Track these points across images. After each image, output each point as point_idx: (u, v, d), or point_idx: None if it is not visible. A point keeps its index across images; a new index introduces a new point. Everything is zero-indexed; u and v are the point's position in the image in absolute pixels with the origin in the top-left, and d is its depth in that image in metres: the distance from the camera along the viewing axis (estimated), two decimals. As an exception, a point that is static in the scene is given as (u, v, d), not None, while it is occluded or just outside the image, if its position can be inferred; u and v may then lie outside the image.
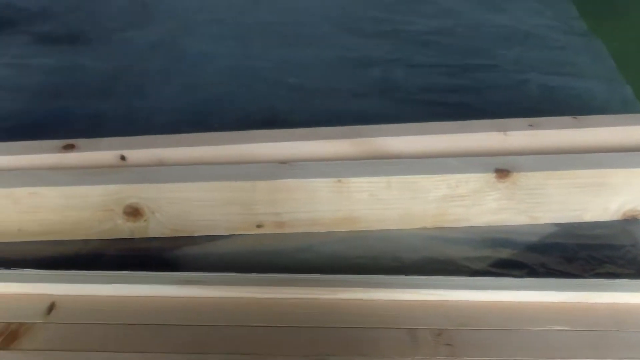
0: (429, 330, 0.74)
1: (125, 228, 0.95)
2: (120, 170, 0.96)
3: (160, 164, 0.98)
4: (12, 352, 0.73)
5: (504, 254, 0.92)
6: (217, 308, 0.77)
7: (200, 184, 0.93)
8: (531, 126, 1.01)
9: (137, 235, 0.96)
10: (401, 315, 0.75)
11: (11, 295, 0.79)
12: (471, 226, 0.96)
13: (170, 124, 1.07)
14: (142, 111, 1.24)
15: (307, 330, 0.74)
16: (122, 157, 0.97)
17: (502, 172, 0.92)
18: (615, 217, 0.98)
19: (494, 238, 0.94)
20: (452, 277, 0.82)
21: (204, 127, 1.04)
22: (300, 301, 0.77)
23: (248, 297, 0.79)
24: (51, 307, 0.78)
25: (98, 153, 0.98)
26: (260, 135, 1.02)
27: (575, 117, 1.03)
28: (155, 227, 0.95)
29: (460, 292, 0.77)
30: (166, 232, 0.96)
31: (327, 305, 0.77)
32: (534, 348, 0.72)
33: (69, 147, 0.98)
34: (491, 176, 0.92)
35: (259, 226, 0.96)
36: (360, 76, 1.32)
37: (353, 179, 0.93)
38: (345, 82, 1.30)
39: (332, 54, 1.39)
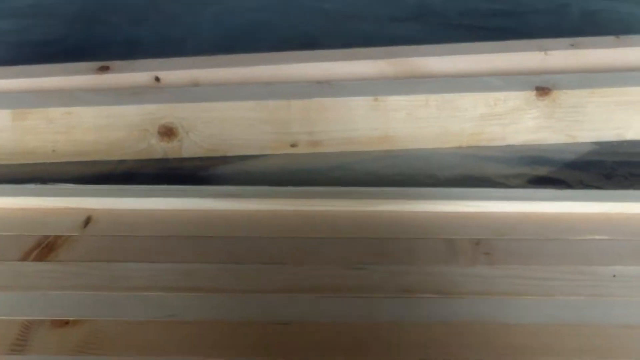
0: (468, 240, 0.72)
1: (159, 148, 0.94)
2: (155, 91, 0.95)
3: (195, 84, 0.96)
4: (49, 263, 0.73)
5: (541, 171, 0.89)
6: (253, 220, 0.77)
7: (235, 103, 0.91)
8: (572, 46, 0.98)
9: (170, 156, 0.95)
10: (439, 225, 0.74)
11: (48, 209, 0.79)
12: (508, 145, 0.93)
13: (204, 51, 1.05)
14: (176, 37, 1.23)
15: (344, 241, 0.73)
16: (157, 78, 0.96)
17: (543, 90, 0.90)
18: (657, 136, 0.94)
19: (531, 156, 0.92)
20: (491, 189, 0.81)
21: (238, 53, 1.01)
22: (338, 213, 0.76)
23: (284, 209, 0.78)
24: (87, 220, 0.78)
25: (133, 74, 0.97)
26: (295, 56, 1.00)
27: (617, 37, 0.99)
28: (189, 147, 0.94)
29: (498, 203, 0.75)
30: (200, 152, 0.95)
31: (364, 217, 0.76)
32: (573, 256, 0.70)
33: (104, 69, 0.97)
34: (531, 94, 0.90)
35: (293, 145, 0.95)
36: (397, 1, 1.28)
37: (390, 97, 0.91)
38: (382, 7, 1.27)
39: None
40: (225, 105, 0.91)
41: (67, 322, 0.66)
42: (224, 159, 0.94)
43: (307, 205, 0.77)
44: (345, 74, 0.97)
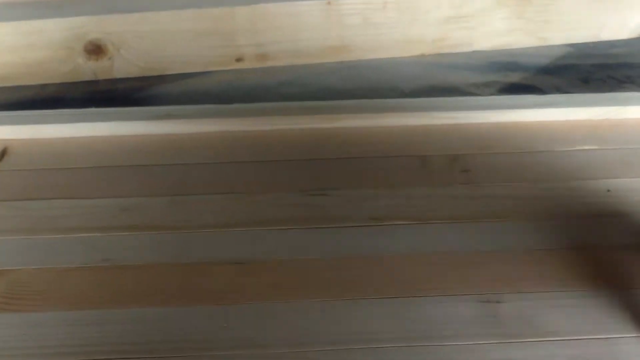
0: (444, 156, 0.63)
1: (87, 68, 0.83)
2: (77, 2, 0.82)
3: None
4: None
5: (514, 78, 0.80)
6: (200, 144, 0.67)
7: (171, 13, 0.81)
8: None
9: (101, 77, 0.84)
10: (411, 142, 0.65)
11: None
12: (475, 51, 0.84)
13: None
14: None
15: (303, 164, 0.64)
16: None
17: (512, -14, 0.80)
18: (635, 35, 0.86)
19: (501, 62, 0.83)
20: (464, 98, 0.71)
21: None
22: (295, 132, 0.66)
23: (233, 130, 0.67)
24: (2, 153, 0.66)
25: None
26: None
27: None
28: (121, 65, 0.83)
29: (473, 113, 0.66)
30: (134, 72, 0.84)
31: (325, 134, 0.66)
32: (563, 169, 0.61)
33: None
34: (500, -9, 0.80)
35: (238, 60, 0.84)
36: None
37: (344, 1, 0.80)
38: None
39: None
40: (161, 16, 0.80)
41: None
42: (162, 78, 0.84)
43: (257, 125, 0.67)
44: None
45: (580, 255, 0.54)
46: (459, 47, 0.86)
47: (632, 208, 0.58)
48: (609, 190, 0.59)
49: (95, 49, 0.82)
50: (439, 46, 0.86)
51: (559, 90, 0.80)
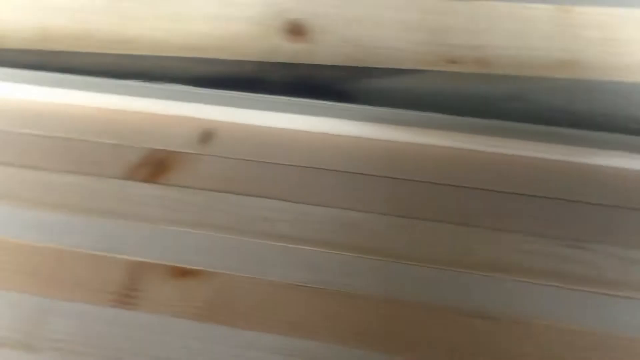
0: None
1: (286, 50, 0.77)
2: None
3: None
4: (160, 186, 0.56)
5: None
6: (424, 158, 0.59)
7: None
8: None
9: (301, 60, 0.77)
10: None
11: (156, 116, 0.62)
12: None
13: None
14: None
15: (552, 204, 0.54)
16: (285, -39, 0.78)
17: None
18: None
19: None
20: None
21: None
22: (540, 162, 0.57)
23: (465, 148, 0.59)
24: (207, 135, 0.60)
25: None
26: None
27: None
28: (324, 51, 0.77)
29: None
30: (337, 60, 0.78)
31: (581, 171, 0.57)
32: None
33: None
34: None
35: (452, 62, 0.76)
36: None
37: (583, 9, 0.71)
38: None
39: None
40: (364, 1, 0.72)
41: (186, 272, 0.50)
42: (367, 72, 0.76)
43: (489, 145, 0.60)
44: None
45: None
46: None
47: None
48: None
49: (296, 29, 0.76)
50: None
51: None
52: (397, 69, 0.78)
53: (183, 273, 0.51)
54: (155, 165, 0.59)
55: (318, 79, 0.76)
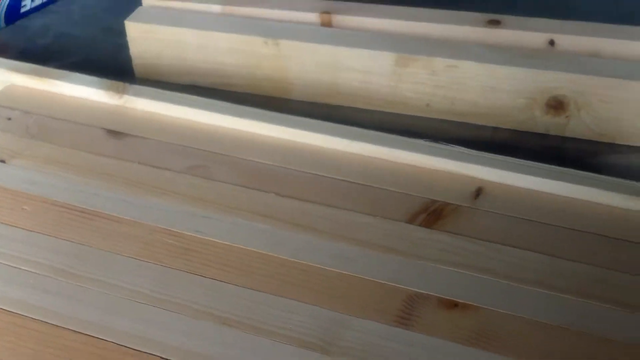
0: None
1: (541, 122, 0.86)
2: (549, 56, 0.86)
3: (595, 55, 0.86)
4: (436, 232, 0.67)
5: None
6: None
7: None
8: None
9: (552, 132, 0.86)
10: None
11: (438, 172, 0.74)
12: None
13: (598, 17, 0.93)
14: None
15: None
16: (551, 42, 0.87)
17: None
18: None
19: None
20: None
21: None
22: None
23: None
24: (479, 191, 0.71)
25: (525, 33, 0.90)
26: None
27: None
28: (576, 126, 0.86)
29: None
30: (587, 135, 0.86)
31: None
32: None
33: (495, 23, 0.89)
34: None
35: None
36: None
37: None
38: None
39: None
40: (631, 85, 0.80)
41: (456, 304, 0.60)
42: (612, 147, 0.83)
43: None
44: None
45: None
46: None
47: None
48: None
49: (557, 105, 0.84)
50: None
51: None
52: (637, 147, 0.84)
53: (452, 305, 0.61)
54: (433, 214, 0.70)
55: (567, 150, 0.85)
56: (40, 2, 1.14)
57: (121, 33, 0.99)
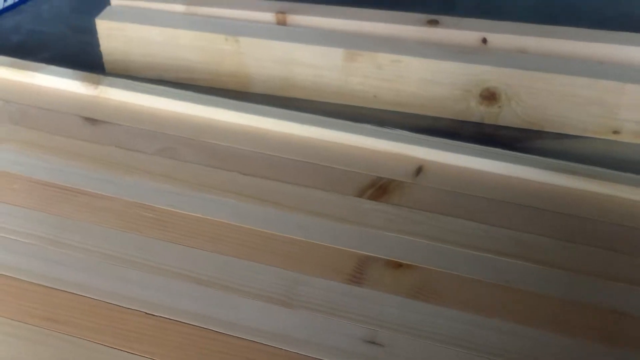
0: None
1: (476, 111, 0.96)
2: (482, 52, 0.96)
3: (522, 51, 0.96)
4: (382, 204, 0.77)
5: None
6: (585, 201, 0.77)
7: (565, 77, 0.92)
8: None
9: (486, 121, 0.97)
10: None
11: (383, 153, 0.84)
12: None
13: (525, 19, 1.04)
14: (495, 1, 1.22)
15: None
16: (484, 40, 0.97)
17: None
18: None
19: None
20: None
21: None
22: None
23: (619, 195, 0.77)
24: (419, 170, 0.81)
25: (461, 32, 1.00)
26: (631, 38, 0.97)
27: None
28: (507, 115, 0.96)
29: None
30: (517, 123, 0.96)
31: None
32: None
33: (433, 23, 0.99)
34: None
35: (615, 132, 0.94)
36: None
37: None
38: None
39: None
40: (555, 78, 0.91)
41: (400, 265, 0.70)
42: (539, 134, 0.94)
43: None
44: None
45: None
46: None
47: None
48: None
49: (490, 96, 0.95)
50: None
51: None
52: (565, 134, 0.95)
53: (397, 265, 0.71)
54: (379, 189, 0.80)
55: (499, 137, 0.95)
56: (12, 2, 1.21)
57: (89, 31, 1.07)
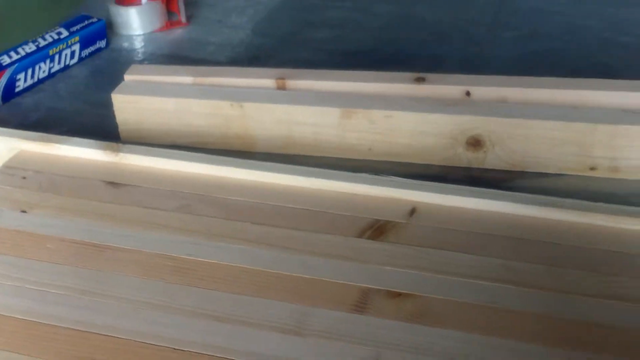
0: None
1: (464, 157, 1.05)
2: (466, 104, 1.06)
3: (503, 101, 1.05)
4: (381, 243, 0.86)
5: None
6: (571, 231, 0.86)
7: (542, 122, 1.01)
8: None
9: (473, 165, 1.06)
10: None
11: (379, 198, 0.93)
12: None
13: (504, 71, 1.14)
14: (477, 57, 1.33)
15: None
16: (467, 93, 1.06)
17: None
18: None
19: None
20: None
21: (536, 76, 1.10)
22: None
23: (595, 223, 0.85)
24: (413, 211, 0.89)
25: (446, 87, 1.09)
26: (599, 84, 1.06)
27: None
28: (492, 159, 1.05)
29: None
30: (501, 165, 1.05)
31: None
32: None
33: (420, 80, 1.09)
34: None
35: (592, 169, 1.03)
36: None
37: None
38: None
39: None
40: (534, 124, 1.00)
41: (399, 294, 0.79)
42: (522, 174, 1.03)
43: (617, 223, 0.85)
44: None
45: None
46: None
47: None
48: None
49: (475, 143, 1.04)
50: None
51: None
52: (546, 173, 1.04)
53: (397, 295, 0.79)
54: (377, 229, 0.88)
55: (485, 179, 1.03)
56: (32, 82, 1.31)
57: (103, 105, 1.17)
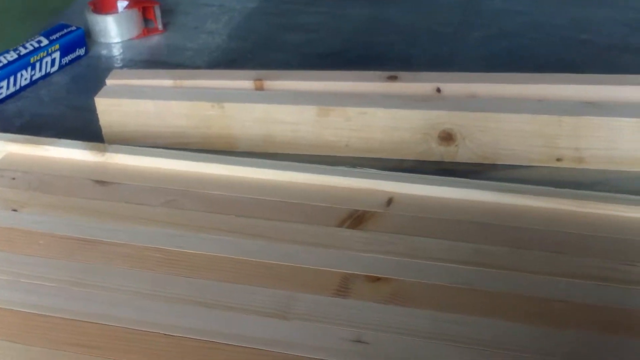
0: None
1: (437, 151, 1.10)
2: (437, 100, 1.10)
3: (473, 97, 1.11)
4: (360, 231, 0.90)
5: None
6: (532, 215, 0.91)
7: (510, 115, 1.06)
8: None
9: (446, 159, 1.10)
10: None
11: (357, 189, 0.98)
12: None
13: (473, 69, 1.19)
14: (446, 56, 1.38)
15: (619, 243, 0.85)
16: (438, 90, 1.12)
17: None
18: None
19: None
20: None
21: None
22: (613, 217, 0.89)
23: (561, 208, 0.90)
24: (390, 201, 0.94)
25: (417, 84, 1.14)
26: (564, 78, 1.12)
27: None
28: (463, 152, 1.09)
29: None
30: (473, 158, 1.10)
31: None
32: None
33: (393, 78, 1.14)
34: None
35: (558, 159, 1.08)
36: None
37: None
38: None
39: (627, 14, 1.45)
40: (502, 117, 1.04)
41: (378, 279, 0.84)
42: (493, 167, 1.08)
43: (582, 207, 0.91)
44: (611, 97, 1.07)
45: None
46: None
47: None
48: None
49: (447, 137, 1.09)
50: None
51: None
52: (516, 165, 1.09)
53: (375, 279, 0.84)
54: (356, 219, 0.93)
55: (457, 172, 1.07)
56: (14, 90, 1.35)
57: (86, 109, 1.20)
